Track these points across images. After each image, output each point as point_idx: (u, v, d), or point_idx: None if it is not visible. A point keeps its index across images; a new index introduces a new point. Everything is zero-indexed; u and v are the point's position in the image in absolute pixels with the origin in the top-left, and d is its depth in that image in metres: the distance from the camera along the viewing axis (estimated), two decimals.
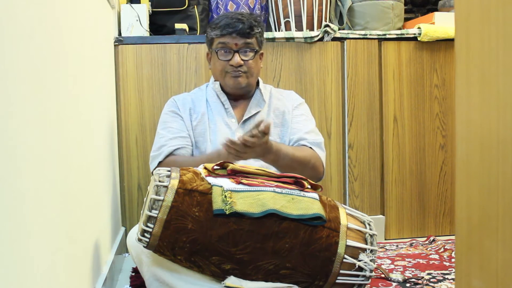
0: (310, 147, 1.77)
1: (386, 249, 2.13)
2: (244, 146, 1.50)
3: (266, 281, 1.35)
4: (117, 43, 2.12)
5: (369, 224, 1.46)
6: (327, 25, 2.22)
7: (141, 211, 1.35)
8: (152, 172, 1.76)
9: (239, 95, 1.85)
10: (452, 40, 2.30)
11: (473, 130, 0.68)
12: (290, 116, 1.85)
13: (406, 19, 2.53)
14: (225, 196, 1.32)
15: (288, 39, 2.22)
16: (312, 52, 2.25)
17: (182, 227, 1.29)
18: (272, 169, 1.65)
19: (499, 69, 0.63)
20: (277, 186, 1.39)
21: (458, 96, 0.71)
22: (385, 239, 2.31)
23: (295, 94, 1.96)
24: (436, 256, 2.01)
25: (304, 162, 1.71)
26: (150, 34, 2.22)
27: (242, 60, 1.77)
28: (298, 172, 1.63)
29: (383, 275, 1.74)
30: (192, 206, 1.31)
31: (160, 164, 1.74)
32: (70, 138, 1.17)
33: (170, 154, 1.75)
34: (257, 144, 1.51)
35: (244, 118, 1.83)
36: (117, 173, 2.10)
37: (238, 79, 1.78)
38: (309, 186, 1.46)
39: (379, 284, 1.68)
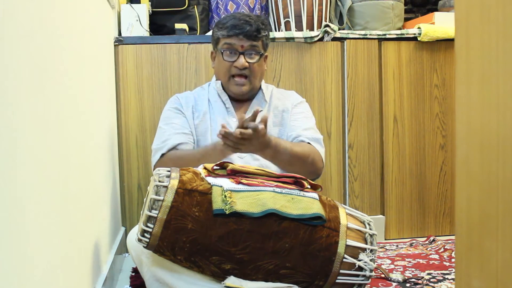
0: (309, 143, 1.76)
1: (386, 249, 2.13)
2: (240, 139, 1.49)
3: (266, 281, 1.35)
4: (117, 43, 2.12)
5: (369, 224, 1.46)
6: (327, 25, 2.22)
7: (141, 211, 1.35)
8: (153, 166, 1.75)
9: None
10: (452, 40, 2.30)
11: (473, 130, 0.68)
12: (289, 115, 1.85)
13: (406, 19, 2.53)
14: (225, 196, 1.32)
15: (288, 39, 2.22)
16: (312, 52, 2.25)
17: (182, 227, 1.29)
18: (272, 169, 1.64)
19: (499, 69, 0.63)
20: (277, 186, 1.39)
21: (458, 96, 0.71)
22: (385, 239, 2.31)
23: (296, 94, 1.96)
24: (436, 256, 2.01)
25: (303, 157, 1.69)
26: (150, 34, 2.22)
27: (247, 62, 1.77)
28: (298, 167, 1.61)
29: (383, 275, 1.74)
30: (192, 206, 1.31)
31: (162, 156, 1.73)
32: (70, 138, 1.17)
33: (173, 148, 1.73)
34: (254, 136, 1.50)
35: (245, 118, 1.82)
36: (117, 173, 2.10)
37: (242, 88, 1.78)
38: (308, 186, 1.46)
39: (379, 284, 1.68)
